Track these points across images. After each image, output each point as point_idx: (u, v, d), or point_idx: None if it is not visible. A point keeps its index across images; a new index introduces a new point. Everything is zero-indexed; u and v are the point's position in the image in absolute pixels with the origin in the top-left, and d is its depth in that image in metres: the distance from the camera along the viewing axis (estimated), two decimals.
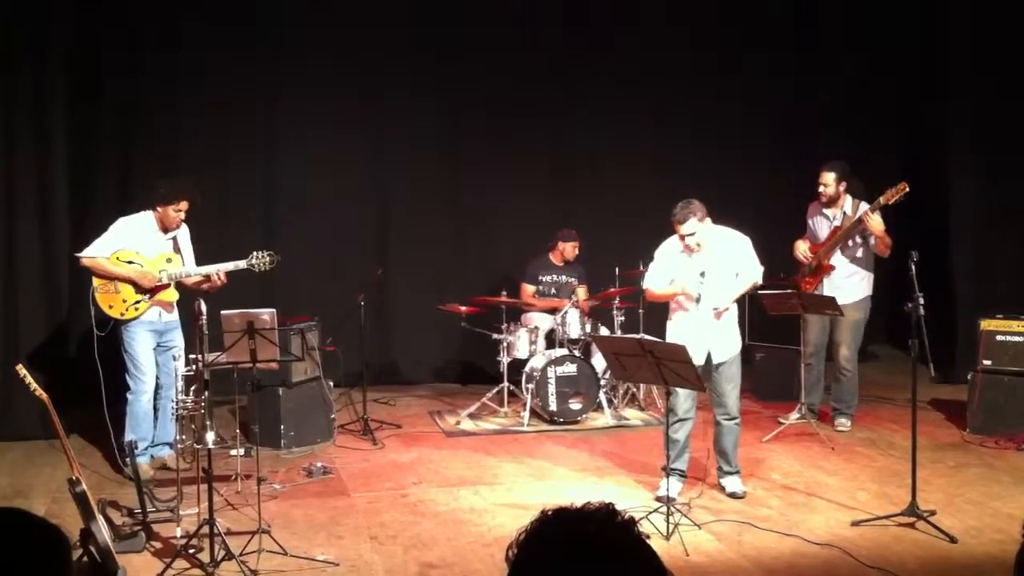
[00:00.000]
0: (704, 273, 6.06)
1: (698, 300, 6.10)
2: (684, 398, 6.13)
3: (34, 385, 5.02)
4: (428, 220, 9.84)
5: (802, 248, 7.95)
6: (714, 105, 10.19)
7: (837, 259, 7.80)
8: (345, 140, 9.48)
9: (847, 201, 7.80)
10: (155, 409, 6.85)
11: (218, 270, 6.73)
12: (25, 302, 7.74)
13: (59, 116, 7.89)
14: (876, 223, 7.48)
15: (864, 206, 7.66)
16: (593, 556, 1.56)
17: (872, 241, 7.66)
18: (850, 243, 7.76)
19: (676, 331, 6.25)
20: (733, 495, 6.25)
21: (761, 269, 6.36)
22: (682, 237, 6.11)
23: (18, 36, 7.67)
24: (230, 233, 8.76)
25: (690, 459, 6.40)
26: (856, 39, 10.51)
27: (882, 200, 7.43)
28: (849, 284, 7.78)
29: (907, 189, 7.32)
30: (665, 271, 6.30)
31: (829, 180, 7.77)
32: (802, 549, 5.42)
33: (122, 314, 6.66)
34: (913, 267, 5.88)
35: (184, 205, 6.73)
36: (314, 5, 9.32)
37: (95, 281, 6.68)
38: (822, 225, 7.94)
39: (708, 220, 6.14)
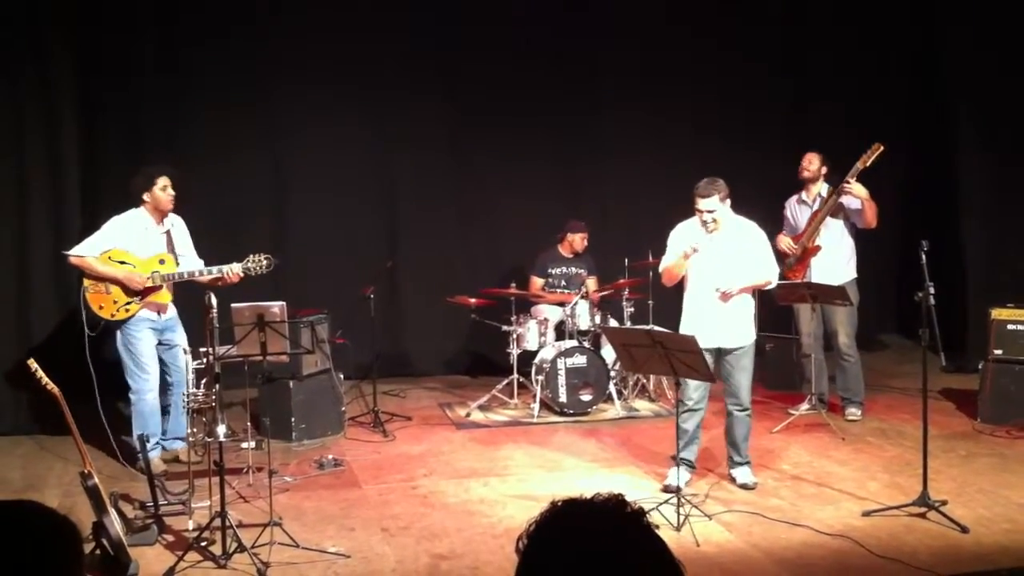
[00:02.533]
0: (707, 229, 6.05)
1: (695, 250, 6.06)
2: (694, 388, 6.12)
3: (46, 379, 5.03)
4: (437, 213, 9.86)
5: (785, 242, 7.96)
6: (718, 92, 10.19)
7: (821, 239, 7.80)
8: (353, 135, 9.50)
9: (823, 187, 7.86)
10: (167, 405, 6.86)
11: (209, 272, 6.67)
12: (37, 300, 7.78)
13: (69, 118, 7.93)
14: (859, 188, 7.51)
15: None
16: (602, 547, 1.56)
17: (857, 206, 7.63)
18: (831, 222, 7.74)
19: (689, 317, 6.24)
20: (744, 486, 6.23)
21: (777, 271, 6.34)
22: (700, 212, 6.07)
23: (21, 39, 7.69)
24: (241, 229, 8.79)
25: (699, 450, 6.40)
26: (853, 14, 10.46)
27: (859, 164, 7.51)
28: (838, 266, 7.77)
29: (882, 148, 7.42)
30: (677, 249, 6.27)
31: (812, 158, 7.94)
32: (813, 539, 5.42)
33: (112, 315, 6.62)
34: (924, 256, 5.86)
35: (165, 181, 6.69)
36: (315, 3, 9.32)
37: (86, 281, 6.64)
38: (802, 213, 7.99)
39: (728, 203, 6.11)
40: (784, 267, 8.02)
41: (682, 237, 6.25)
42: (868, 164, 7.46)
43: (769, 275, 6.28)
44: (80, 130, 8.11)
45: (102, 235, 6.69)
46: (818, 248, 7.77)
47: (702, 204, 6.06)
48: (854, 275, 7.87)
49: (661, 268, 6.41)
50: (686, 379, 5.88)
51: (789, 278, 7.87)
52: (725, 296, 6.10)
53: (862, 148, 7.47)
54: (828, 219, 7.77)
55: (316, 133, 9.38)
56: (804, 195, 7.99)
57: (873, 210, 7.63)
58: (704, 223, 6.08)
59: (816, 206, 7.87)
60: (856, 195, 7.54)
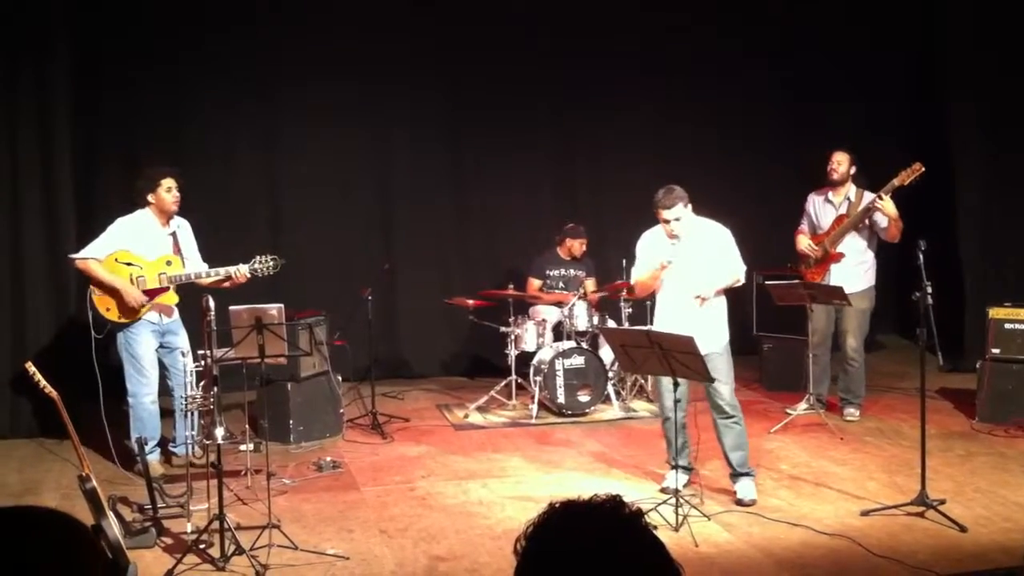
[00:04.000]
0: (676, 237, 5.94)
1: (669, 263, 5.96)
2: (666, 395, 5.97)
3: (43, 383, 5.03)
4: (434, 214, 9.87)
5: (805, 242, 7.93)
6: (717, 91, 10.20)
7: (845, 247, 7.77)
8: (350, 136, 9.50)
9: (851, 189, 7.80)
10: (174, 410, 6.83)
11: (216, 273, 6.68)
12: (32, 302, 7.76)
13: (63, 116, 7.89)
14: (891, 206, 7.46)
15: (868, 195, 7.65)
16: (600, 548, 1.56)
17: (884, 223, 7.62)
18: (857, 230, 7.74)
19: (661, 324, 6.11)
20: (739, 502, 5.97)
21: (744, 268, 6.16)
22: (666, 222, 5.97)
23: (20, 37, 7.68)
24: (237, 230, 8.79)
25: (692, 453, 6.29)
26: (854, 14, 10.48)
27: (896, 182, 7.42)
28: (856, 273, 7.76)
29: (923, 170, 7.33)
30: (649, 263, 6.18)
31: (842, 159, 7.81)
32: (811, 539, 5.42)
33: (120, 317, 6.62)
34: (921, 256, 5.86)
35: (171, 183, 6.67)
36: (315, 4, 9.31)
37: (92, 284, 6.65)
38: (827, 212, 7.92)
39: (690, 208, 6.01)
40: (803, 266, 8.01)
41: (651, 246, 6.18)
42: (906, 183, 7.41)
43: (737, 273, 6.13)
44: (76, 131, 8.09)
45: (108, 237, 6.67)
46: (841, 255, 7.74)
47: (668, 214, 5.93)
48: (872, 282, 7.86)
49: (634, 280, 6.35)
50: (659, 388, 5.83)
51: (808, 279, 7.86)
52: (702, 301, 5.97)
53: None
54: (858, 229, 7.75)
55: (314, 134, 9.39)
56: (831, 195, 7.89)
57: (899, 228, 7.58)
58: (672, 233, 5.98)
59: (843, 209, 7.82)
60: (886, 213, 7.51)
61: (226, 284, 6.75)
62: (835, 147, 7.93)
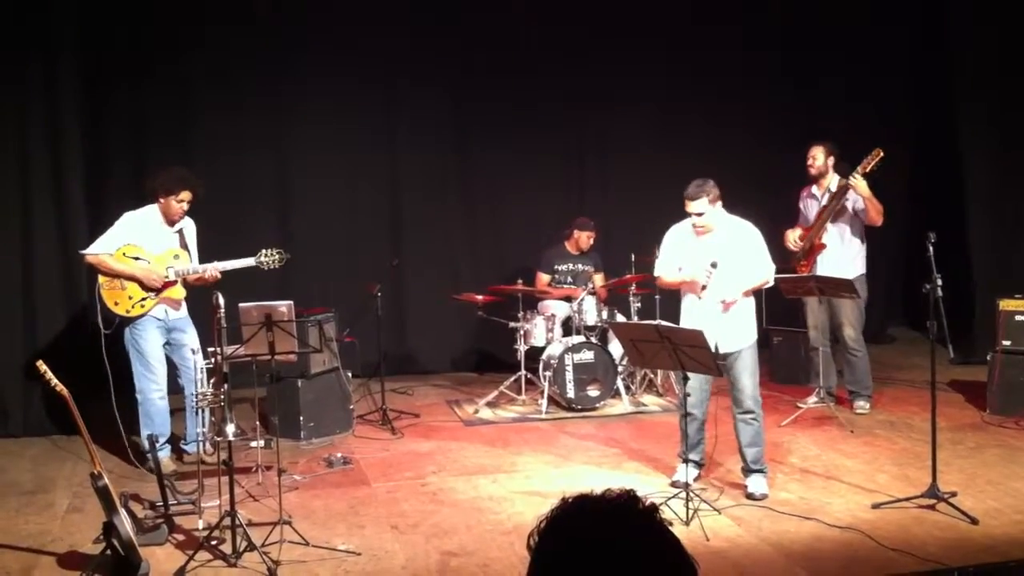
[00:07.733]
0: (715, 264, 5.88)
1: (703, 288, 5.92)
2: (694, 390, 5.88)
3: (55, 381, 5.04)
4: (442, 210, 9.87)
5: (792, 236, 7.92)
6: (720, 88, 10.18)
7: (828, 237, 7.77)
8: (357, 134, 9.50)
9: (834, 180, 7.80)
10: (184, 407, 6.84)
11: (223, 268, 6.70)
12: (44, 300, 7.77)
13: (72, 116, 7.91)
14: (862, 186, 7.46)
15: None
16: (615, 543, 1.56)
17: (861, 205, 7.61)
18: (840, 219, 7.72)
19: (688, 322, 6.09)
20: (750, 496, 5.96)
21: (773, 268, 6.16)
22: (690, 215, 5.98)
23: (27, 39, 7.69)
24: (245, 228, 8.80)
25: (706, 448, 6.31)
26: (859, 11, 10.47)
27: (859, 170, 7.44)
28: (844, 262, 7.73)
29: (882, 155, 7.38)
30: (674, 258, 6.19)
31: (817, 153, 7.83)
32: (822, 532, 5.42)
33: (128, 311, 6.62)
34: (931, 248, 5.85)
35: (187, 195, 6.67)
36: (318, 1, 9.31)
37: (100, 278, 6.63)
38: (812, 207, 7.95)
39: (719, 205, 6.00)
40: (792, 261, 8.00)
41: (678, 242, 6.17)
42: (868, 170, 7.42)
43: (766, 275, 6.11)
44: (84, 129, 8.11)
45: (116, 230, 6.68)
46: (823, 246, 7.74)
47: (691, 207, 5.94)
48: (862, 271, 7.84)
49: (663, 277, 6.31)
50: (686, 385, 5.84)
51: (798, 272, 7.85)
52: (727, 306, 5.95)
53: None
54: (837, 218, 7.73)
55: (321, 131, 9.39)
56: (815, 189, 7.93)
57: (876, 208, 7.58)
58: (695, 226, 5.98)
59: (824, 201, 7.83)
60: (859, 192, 7.51)
61: (192, 279, 6.77)
62: (811, 142, 7.95)
